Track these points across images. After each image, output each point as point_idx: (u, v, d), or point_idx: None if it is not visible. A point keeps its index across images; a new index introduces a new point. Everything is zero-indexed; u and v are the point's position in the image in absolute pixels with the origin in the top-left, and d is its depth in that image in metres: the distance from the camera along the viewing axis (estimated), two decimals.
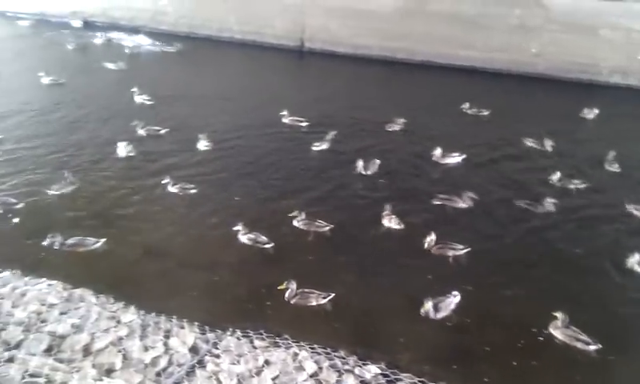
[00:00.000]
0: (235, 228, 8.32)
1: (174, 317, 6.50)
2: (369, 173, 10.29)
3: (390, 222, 8.78)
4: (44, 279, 7.07)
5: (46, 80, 14.64)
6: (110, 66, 16.12)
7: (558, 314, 6.64)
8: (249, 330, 6.37)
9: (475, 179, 10.31)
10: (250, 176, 10.31)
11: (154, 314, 6.52)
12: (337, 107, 13.71)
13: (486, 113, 13.27)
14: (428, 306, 6.80)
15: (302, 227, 8.57)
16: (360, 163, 10.37)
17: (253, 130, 12.28)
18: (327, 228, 8.54)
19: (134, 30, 19.96)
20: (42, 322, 6.19)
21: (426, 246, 8.14)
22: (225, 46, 18.89)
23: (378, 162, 10.49)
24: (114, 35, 19.48)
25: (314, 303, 6.99)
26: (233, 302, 7.05)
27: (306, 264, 7.88)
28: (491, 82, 15.91)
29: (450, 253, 8.04)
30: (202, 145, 11.24)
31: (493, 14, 16.11)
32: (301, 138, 11.93)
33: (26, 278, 7.09)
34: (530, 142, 11.65)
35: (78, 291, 6.88)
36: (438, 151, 10.99)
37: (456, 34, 16.43)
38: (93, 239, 8.01)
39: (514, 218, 9.04)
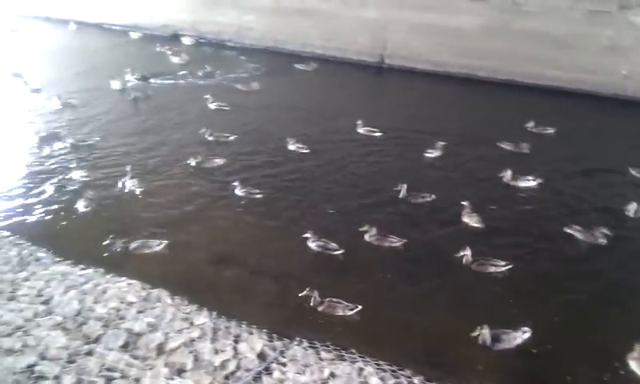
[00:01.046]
0: (305, 235, 8.45)
1: (244, 322, 6.63)
2: (413, 201, 9.79)
3: (471, 220, 8.89)
4: (124, 278, 7.39)
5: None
6: (239, 87, 15.99)
7: (638, 346, 6.31)
8: (315, 341, 6.41)
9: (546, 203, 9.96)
10: (320, 183, 10.51)
11: (224, 319, 6.67)
12: (409, 121, 13.72)
13: (550, 131, 12.88)
14: (484, 332, 6.51)
15: (373, 242, 8.55)
16: (404, 186, 9.93)
17: (326, 138, 12.52)
18: (399, 243, 8.48)
19: (219, 45, 20.64)
20: (121, 318, 6.48)
21: (463, 262, 7.98)
22: (311, 62, 19.07)
23: (427, 197, 9.87)
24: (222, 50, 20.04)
25: (341, 313, 7.00)
26: (301, 310, 7.09)
27: (373, 277, 7.85)
28: (575, 102, 15.26)
29: (491, 269, 7.87)
30: (293, 146, 11.72)
31: (582, 33, 15.55)
32: (372, 147, 12.12)
33: (108, 276, 7.43)
34: (605, 167, 11.11)
35: (155, 292, 7.14)
36: (508, 173, 10.49)
37: (542, 53, 15.96)
38: (156, 241, 8.31)
39: (587, 247, 8.60)
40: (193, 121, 13.39)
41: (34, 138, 12.08)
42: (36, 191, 9.88)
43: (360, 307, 6.99)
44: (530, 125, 13.09)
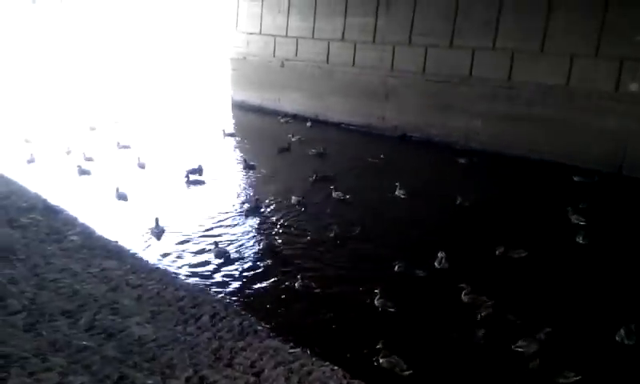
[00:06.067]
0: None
1: None
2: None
3: None
4: (328, 363, 7.59)
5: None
6: None
7: None
8: None
9: None
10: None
11: None
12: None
13: None
14: None
15: None
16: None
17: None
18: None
19: (446, 146, 21.10)
20: None
21: None
22: (533, 167, 18.58)
23: None
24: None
25: None
26: None
27: None
28: None
29: None
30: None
31: None
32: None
33: (314, 358, 7.70)
34: None
35: (355, 382, 7.19)
36: None
37: None
38: None
39: None
40: None
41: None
42: (259, 268, 10.83)
43: None
44: None
